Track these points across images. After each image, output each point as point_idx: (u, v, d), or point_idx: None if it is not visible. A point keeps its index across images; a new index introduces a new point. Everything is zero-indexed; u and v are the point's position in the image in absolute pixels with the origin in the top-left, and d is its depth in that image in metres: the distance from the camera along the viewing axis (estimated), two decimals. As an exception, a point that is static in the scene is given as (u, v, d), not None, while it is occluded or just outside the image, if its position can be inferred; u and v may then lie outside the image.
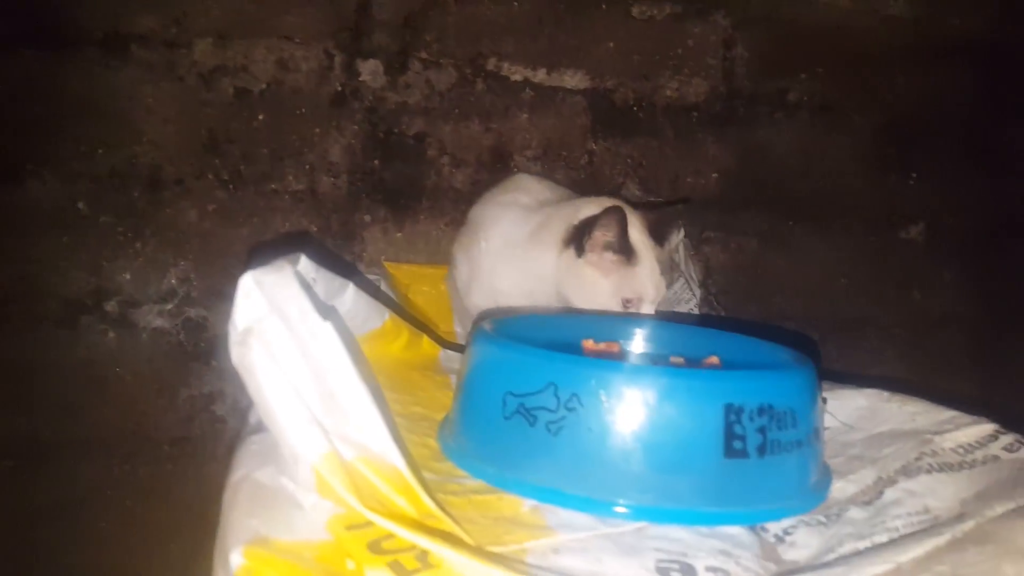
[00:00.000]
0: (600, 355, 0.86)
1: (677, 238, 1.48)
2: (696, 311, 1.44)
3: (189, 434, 1.45)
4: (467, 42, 1.49)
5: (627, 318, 1.01)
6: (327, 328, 0.61)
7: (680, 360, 0.86)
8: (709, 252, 1.67)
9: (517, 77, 1.52)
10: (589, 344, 0.88)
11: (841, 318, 1.75)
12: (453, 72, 1.49)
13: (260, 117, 1.41)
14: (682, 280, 1.44)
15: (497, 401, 0.68)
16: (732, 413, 0.64)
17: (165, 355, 1.42)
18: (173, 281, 1.41)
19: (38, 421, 1.37)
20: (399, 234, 1.50)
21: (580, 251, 1.07)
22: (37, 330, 1.36)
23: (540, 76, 1.53)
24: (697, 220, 1.62)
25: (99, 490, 1.41)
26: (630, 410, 0.64)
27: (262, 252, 0.73)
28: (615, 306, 1.07)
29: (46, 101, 1.33)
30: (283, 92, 1.41)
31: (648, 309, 1.08)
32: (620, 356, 0.90)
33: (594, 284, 1.08)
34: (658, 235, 1.13)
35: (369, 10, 1.43)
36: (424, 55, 1.47)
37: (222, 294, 1.41)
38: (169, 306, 1.41)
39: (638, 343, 0.93)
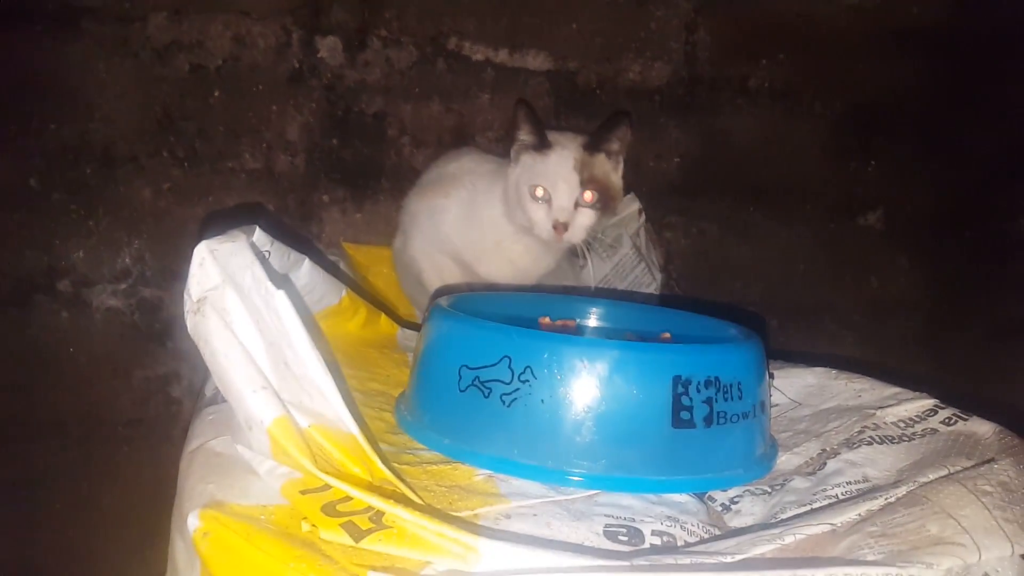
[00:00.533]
0: (555, 331, 0.88)
1: (638, 222, 1.51)
2: (656, 293, 1.47)
3: (144, 416, 1.44)
4: (428, 20, 1.49)
5: (584, 297, 1.04)
6: (280, 296, 0.62)
7: (632, 336, 0.89)
8: (670, 237, 1.70)
9: (479, 57, 1.53)
10: (545, 321, 0.90)
11: (800, 303, 1.79)
12: (413, 51, 1.49)
13: (216, 94, 1.40)
14: (643, 264, 1.47)
15: (452, 374, 0.70)
16: (680, 385, 0.66)
17: (119, 336, 1.41)
18: (127, 260, 1.40)
19: (-12, 402, 1.36)
20: (358, 215, 1.51)
21: (511, 159, 1.17)
22: (-14, 310, 1.34)
23: (502, 56, 1.54)
24: (659, 205, 1.64)
25: (53, 472, 1.40)
26: (582, 382, 0.66)
27: (217, 223, 0.74)
28: (528, 200, 1.11)
29: (-6, 75, 1.31)
30: (240, 69, 1.41)
31: (561, 203, 1.11)
32: (576, 332, 0.92)
33: (515, 181, 1.15)
34: (595, 144, 1.15)
35: (329, -14, 1.43)
36: (384, 33, 1.47)
37: (177, 274, 1.41)
38: (123, 286, 1.40)
39: (593, 320, 0.97)
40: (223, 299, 0.61)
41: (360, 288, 1.17)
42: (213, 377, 0.64)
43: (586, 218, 1.12)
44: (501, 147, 1.21)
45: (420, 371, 0.78)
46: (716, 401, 0.68)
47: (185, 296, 0.63)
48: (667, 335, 0.89)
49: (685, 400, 0.67)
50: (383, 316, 1.12)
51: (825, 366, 0.95)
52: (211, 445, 0.68)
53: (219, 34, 1.39)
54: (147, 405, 1.44)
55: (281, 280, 0.68)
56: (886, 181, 1.82)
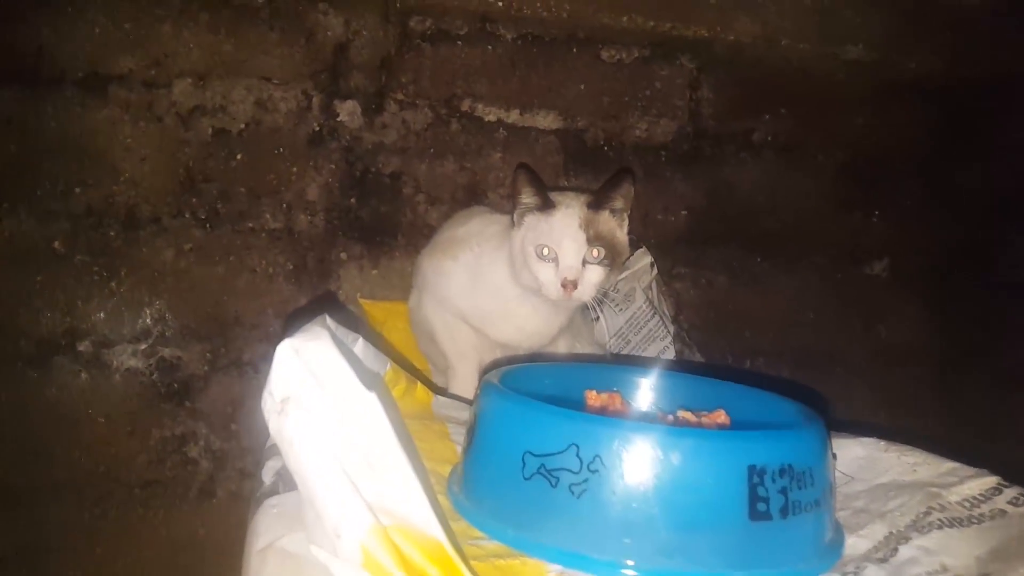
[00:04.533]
0: (605, 409, 0.92)
1: (650, 275, 1.65)
2: (671, 347, 1.61)
3: (160, 477, 1.55)
4: (442, 84, 1.65)
5: (629, 367, 1.08)
6: (371, 399, 0.64)
7: (688, 415, 0.91)
8: (680, 288, 1.82)
9: (491, 117, 1.68)
10: (592, 396, 0.93)
11: (810, 351, 1.91)
12: (428, 112, 1.65)
13: (238, 156, 1.54)
14: (657, 317, 1.61)
15: (515, 461, 0.72)
16: (755, 474, 0.68)
17: (138, 396, 1.53)
18: (148, 320, 1.53)
19: (6, 463, 1.47)
20: (375, 271, 1.64)
21: (514, 223, 1.25)
22: (8, 370, 1.46)
23: (513, 116, 1.70)
24: (667, 256, 1.78)
25: (68, 536, 1.50)
26: (655, 473, 0.67)
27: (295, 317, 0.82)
28: (534, 260, 1.19)
29: (23, 139, 1.45)
30: (261, 132, 1.55)
31: (568, 261, 1.18)
32: (625, 410, 0.95)
33: (520, 243, 1.22)
34: (599, 202, 1.23)
35: (347, 52, 1.59)
36: (400, 96, 1.63)
37: (197, 333, 1.54)
38: (143, 346, 1.53)
39: (643, 394, 1.00)
40: (308, 399, 0.64)
41: (398, 355, 1.25)
42: (297, 480, 0.65)
43: (595, 275, 1.19)
44: (511, 205, 1.30)
45: (478, 454, 0.80)
46: (791, 490, 0.70)
47: (266, 396, 0.65)
48: (721, 413, 0.90)
49: (761, 490, 0.68)
50: (419, 385, 1.15)
51: (866, 434, 0.98)
52: (283, 545, 0.70)
53: (241, 99, 1.54)
54: (163, 466, 1.56)
55: (370, 378, 0.73)
56: (891, 230, 1.95)
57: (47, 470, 1.49)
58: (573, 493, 0.69)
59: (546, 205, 1.22)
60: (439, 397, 1.17)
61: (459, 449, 0.94)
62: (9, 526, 1.47)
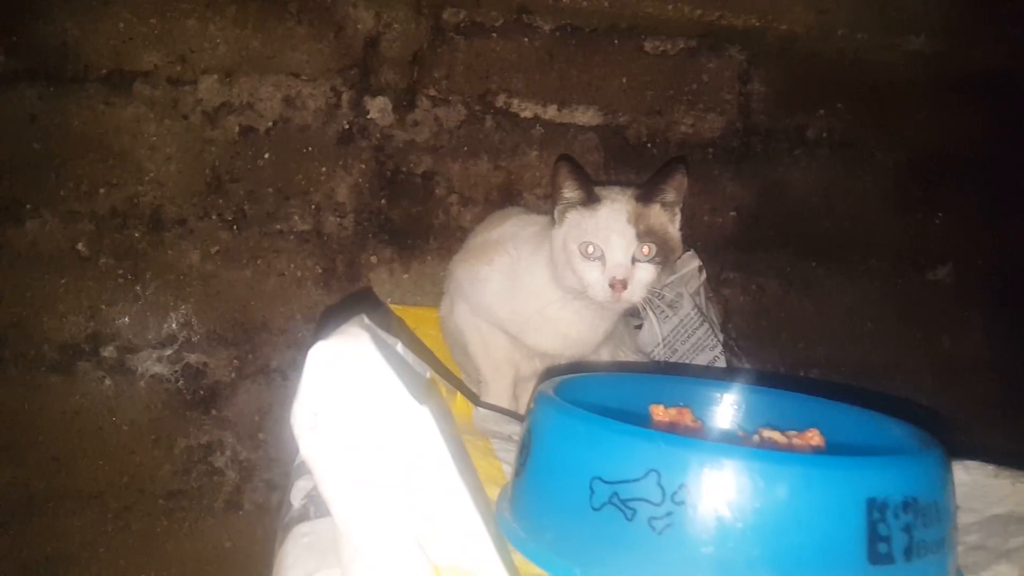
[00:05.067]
0: (675, 427, 0.84)
1: (699, 280, 1.58)
2: (721, 358, 1.53)
3: (185, 487, 1.52)
4: (476, 79, 1.60)
5: (700, 379, 0.97)
6: (423, 414, 0.56)
7: (775, 435, 0.81)
8: (728, 294, 1.75)
9: (527, 114, 1.63)
10: (659, 411, 0.84)
11: (868, 364, 1.82)
12: (462, 109, 1.60)
13: (266, 155, 1.51)
14: (705, 325, 1.54)
15: (581, 488, 0.63)
16: (875, 509, 0.59)
17: (163, 403, 1.50)
18: (173, 325, 1.49)
19: (29, 472, 1.45)
20: (405, 275, 1.60)
21: (555, 221, 1.17)
22: (31, 376, 1.45)
23: (551, 113, 1.64)
24: (715, 260, 1.70)
25: (91, 546, 1.47)
26: (754, 507, 0.58)
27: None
28: (578, 260, 1.12)
29: (47, 138, 1.44)
30: (289, 130, 1.52)
31: (616, 259, 1.10)
32: (699, 428, 0.85)
33: (562, 242, 1.15)
34: (649, 195, 1.15)
35: (377, 47, 1.55)
36: (433, 92, 1.58)
37: (224, 339, 1.50)
38: (168, 351, 1.49)
39: (717, 410, 0.90)
40: (346, 414, 0.56)
41: (439, 363, 1.19)
42: (332, 510, 0.57)
43: (646, 273, 1.11)
44: (549, 204, 1.24)
45: (535, 478, 0.71)
46: (915, 528, 0.61)
47: (296, 408, 0.58)
48: (814, 433, 0.80)
49: (882, 528, 0.59)
50: (459, 395, 1.10)
51: (969, 457, 0.89)
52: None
53: (269, 96, 1.51)
54: (189, 476, 1.52)
55: (420, 389, 0.64)
56: (954, 233, 1.86)
57: (69, 479, 1.47)
58: (654, 528, 0.59)
59: (590, 199, 1.15)
60: (480, 409, 1.10)
61: (507, 469, 0.87)
62: (30, 536, 1.45)
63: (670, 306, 1.56)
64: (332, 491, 0.56)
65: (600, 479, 0.62)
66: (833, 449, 0.78)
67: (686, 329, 1.55)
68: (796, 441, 0.80)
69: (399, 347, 0.87)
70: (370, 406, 0.56)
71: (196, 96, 1.49)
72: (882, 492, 0.59)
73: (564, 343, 1.25)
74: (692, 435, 0.81)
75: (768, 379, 1.08)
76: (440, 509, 0.55)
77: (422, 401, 0.57)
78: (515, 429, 1.05)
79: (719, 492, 0.59)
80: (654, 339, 1.56)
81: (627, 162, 1.68)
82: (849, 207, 1.81)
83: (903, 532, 0.60)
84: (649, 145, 1.70)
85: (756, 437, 0.82)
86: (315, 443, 0.57)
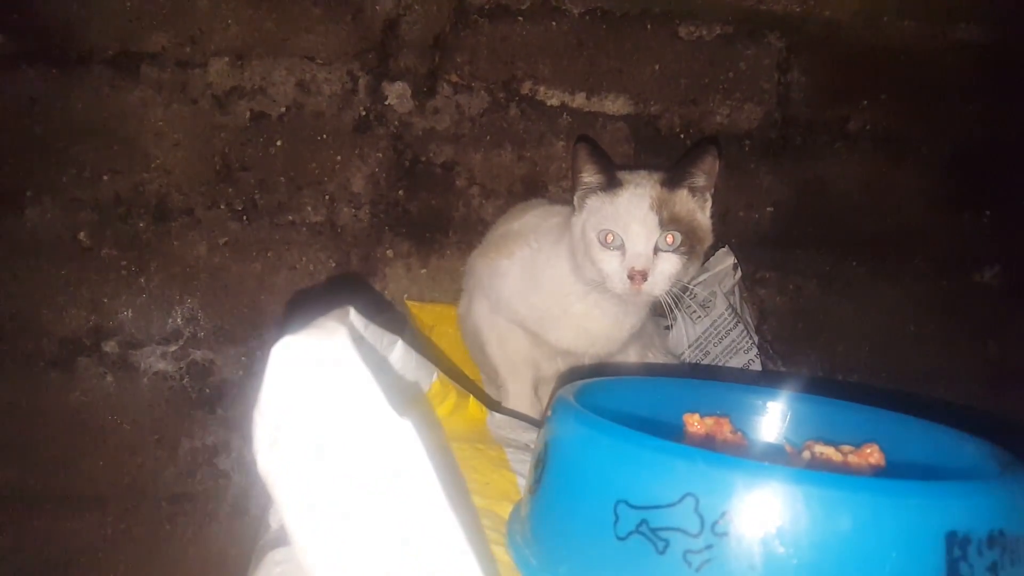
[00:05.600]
0: (712, 439, 0.75)
1: (733, 278, 1.50)
2: (756, 361, 1.46)
3: (189, 490, 1.46)
4: (500, 64, 1.53)
5: (739, 385, 0.88)
6: (405, 428, 0.48)
7: (828, 451, 0.71)
8: (764, 294, 1.68)
9: (554, 102, 1.56)
10: (694, 421, 0.75)
11: (910, 370, 1.75)
12: (485, 96, 1.53)
13: (278, 143, 1.45)
14: (740, 326, 1.46)
15: (605, 512, 0.55)
16: (956, 546, 0.51)
17: (167, 402, 1.44)
18: (179, 320, 1.43)
19: (26, 472, 1.39)
20: (423, 270, 1.53)
21: (575, 208, 1.11)
22: (29, 372, 1.39)
23: (579, 101, 1.57)
24: (750, 258, 1.63)
25: (90, 550, 1.42)
26: (812, 540, 0.50)
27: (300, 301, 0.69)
28: (597, 249, 1.05)
29: (49, 122, 1.38)
30: (303, 116, 1.46)
31: (636, 248, 1.04)
32: (740, 442, 0.76)
33: (581, 230, 1.09)
34: (676, 179, 1.09)
35: (397, 29, 1.48)
36: (454, 78, 1.51)
37: (231, 335, 1.44)
38: (173, 348, 1.43)
39: (760, 421, 0.81)
40: (313, 428, 0.48)
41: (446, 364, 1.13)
42: (294, 544, 0.49)
43: (669, 265, 1.04)
44: (572, 184, 1.18)
45: (551, 497, 0.63)
46: (1002, 567, 0.52)
47: (256, 418, 0.50)
48: (874, 448, 0.71)
49: (964, 568, 0.50)
50: (471, 399, 1.01)
51: None
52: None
53: (282, 80, 1.44)
54: (193, 478, 1.46)
55: (404, 398, 0.59)
56: (1003, 233, 1.78)
57: (68, 480, 1.42)
58: (690, 564, 0.51)
59: (611, 184, 1.08)
60: (495, 415, 1.02)
61: (521, 482, 0.79)
62: (27, 539, 1.40)
63: (702, 306, 1.49)
64: (293, 519, 0.48)
65: (626, 503, 0.55)
66: (895, 469, 0.69)
67: (719, 331, 1.47)
68: (852, 458, 0.71)
69: (398, 346, 0.79)
70: (341, 418, 0.48)
71: (206, 80, 1.42)
72: (964, 525, 0.51)
73: (587, 340, 1.18)
74: (734, 450, 0.72)
75: (811, 385, 0.99)
76: (424, 544, 0.47)
77: (404, 412, 0.48)
78: (533, 437, 0.97)
79: (769, 522, 0.50)
80: (684, 341, 1.49)
81: (659, 153, 1.61)
82: (892, 204, 1.74)
83: (988, 572, 0.51)
84: (682, 136, 1.62)
85: (806, 453, 0.73)
86: (275, 460, 0.49)
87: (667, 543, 0.52)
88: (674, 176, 1.09)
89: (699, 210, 1.10)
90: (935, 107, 1.73)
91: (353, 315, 0.66)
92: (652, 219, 1.04)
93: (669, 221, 1.05)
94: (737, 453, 0.70)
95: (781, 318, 1.70)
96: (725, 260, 1.49)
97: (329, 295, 1.42)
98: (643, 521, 0.53)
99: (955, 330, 1.77)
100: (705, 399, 0.79)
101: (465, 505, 0.60)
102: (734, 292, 1.50)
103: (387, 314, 1.43)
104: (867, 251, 1.72)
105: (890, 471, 0.69)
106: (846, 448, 0.71)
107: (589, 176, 1.09)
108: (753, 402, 0.81)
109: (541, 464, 0.65)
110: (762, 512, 0.51)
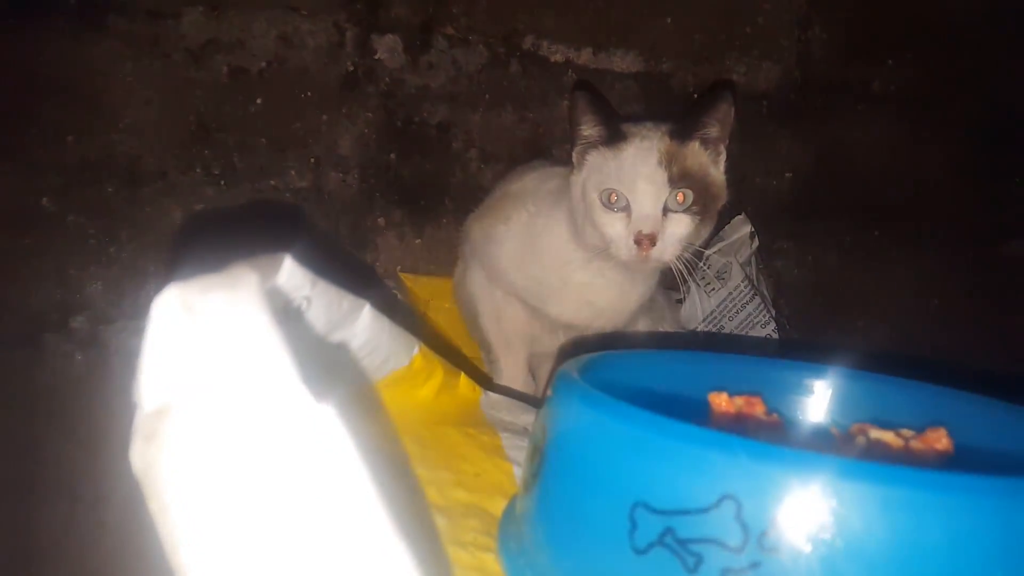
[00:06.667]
0: (743, 421, 0.65)
1: (750, 248, 1.42)
2: (775, 336, 1.37)
3: (166, 476, 1.37)
4: (501, 16, 1.45)
5: (769, 359, 0.78)
6: (323, 415, 0.37)
7: (887, 435, 0.61)
8: (781, 266, 1.61)
9: (558, 58, 1.49)
10: (721, 400, 0.66)
11: (935, 347, 1.67)
12: (484, 51, 1.45)
13: (258, 101, 1.36)
14: (757, 299, 1.38)
15: (619, 516, 0.45)
16: None
17: (141, 382, 1.35)
18: (152, 293, 1.33)
19: (-10, 459, 1.30)
20: (418, 240, 1.46)
21: (574, 164, 1.03)
22: (-10, 350, 1.30)
23: (585, 57, 1.50)
24: (767, 228, 1.56)
25: (60, 541, 1.34)
26: (892, 554, 0.40)
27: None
28: (599, 210, 0.97)
29: (6, 78, 1.27)
30: (286, 72, 1.37)
31: (644, 210, 0.94)
32: (775, 423, 0.66)
33: (581, 189, 1.00)
34: (686, 130, 1.00)
35: (388, -23, 1.40)
36: (450, 31, 1.43)
37: (210, 309, 1.35)
38: (147, 323, 1.34)
39: (798, 400, 0.71)
40: (207, 415, 0.37)
41: (433, 334, 1.05)
42: (175, 561, 0.40)
43: (680, 226, 0.96)
44: (571, 138, 1.11)
45: (550, 496, 0.53)
46: None
47: (135, 400, 0.40)
48: (942, 432, 0.61)
49: None
50: (462, 376, 0.90)
51: None
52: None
53: (263, 33, 1.35)
54: (171, 463, 1.38)
55: (330, 365, 0.47)
56: (1034, 202, 1.71)
57: (36, 467, 1.33)
58: None
59: (614, 137, 0.99)
60: (490, 394, 0.93)
61: (518, 472, 0.70)
62: (-8, 529, 1.31)
63: (717, 277, 1.41)
64: (176, 533, 0.38)
65: (646, 506, 0.44)
66: (965, 457, 0.60)
67: (735, 304, 1.39)
68: (915, 444, 0.61)
69: (365, 312, 0.66)
70: (240, 400, 0.37)
71: (179, 31, 1.32)
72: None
73: (591, 313, 1.10)
74: (772, 436, 0.63)
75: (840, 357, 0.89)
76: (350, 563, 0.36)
77: (326, 394, 0.37)
78: (532, 419, 0.88)
79: (837, 533, 0.40)
80: (698, 314, 1.41)
81: (671, 114, 1.51)
82: (917, 170, 1.66)
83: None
84: (696, 96, 1.55)
85: (860, 438, 0.63)
86: (151, 458, 0.37)
87: (699, 559, 0.42)
88: (685, 127, 1.00)
89: (712, 164, 1.02)
90: (966, 67, 1.64)
91: (289, 266, 0.52)
92: (661, 175, 0.95)
93: (680, 177, 0.96)
94: (776, 439, 0.61)
95: (798, 292, 1.63)
96: (742, 228, 1.42)
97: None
98: (668, 530, 0.43)
99: (982, 305, 1.68)
100: (731, 375, 0.69)
101: (418, 519, 0.50)
102: (751, 263, 1.42)
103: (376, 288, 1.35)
104: (890, 220, 1.65)
105: (959, 459, 0.59)
106: (906, 432, 0.61)
107: (589, 128, 1.00)
108: (788, 378, 0.71)
109: (539, 454, 0.55)
110: (827, 520, 0.40)
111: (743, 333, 1.37)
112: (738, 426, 0.62)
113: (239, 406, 0.36)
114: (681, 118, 1.02)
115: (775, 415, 0.67)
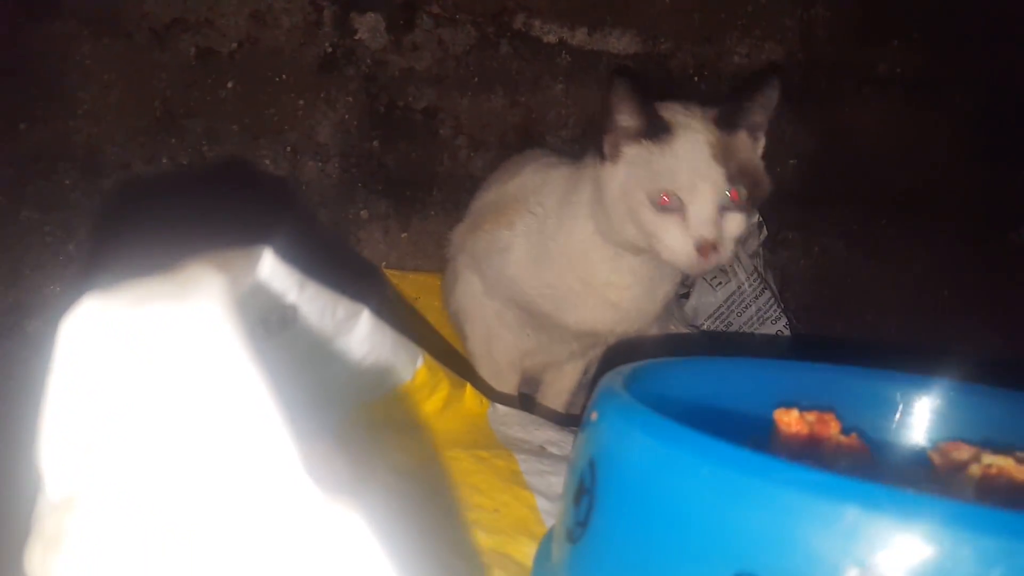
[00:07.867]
0: (817, 444, 0.56)
1: (759, 239, 1.36)
2: (786, 331, 1.31)
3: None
4: (490, -7, 1.40)
5: (840, 367, 0.66)
6: (336, 511, 0.27)
7: (1003, 461, 0.50)
8: (786, 257, 1.58)
9: (551, 38, 1.43)
10: (790, 419, 0.56)
11: (944, 340, 1.64)
12: (472, 31, 1.40)
13: (229, 85, 1.30)
14: (767, 293, 1.32)
15: None
16: None
17: (104, 390, 1.27)
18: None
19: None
20: (403, 234, 1.41)
21: (604, 155, 0.93)
22: (-63, 360, 1.22)
23: (579, 37, 1.44)
24: (771, 217, 1.51)
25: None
26: None
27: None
28: (649, 213, 0.88)
29: (-49, 62, 1.20)
30: (258, 53, 1.30)
31: (703, 213, 0.86)
32: (859, 449, 0.57)
33: (620, 187, 0.91)
34: (732, 118, 0.92)
35: (368, -49, 1.34)
36: (436, 9, 1.38)
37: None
38: (110, 327, 1.26)
39: (875, 415, 0.61)
40: (139, 504, 0.27)
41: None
42: None
43: (735, 225, 0.89)
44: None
45: (610, 553, 0.43)
46: None
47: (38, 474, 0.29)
48: None
49: None
50: (468, 388, 0.82)
51: None
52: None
53: (233, 11, 1.28)
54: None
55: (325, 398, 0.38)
56: (1044, 189, 1.70)
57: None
58: None
59: (658, 129, 0.89)
60: (499, 407, 0.84)
61: (543, 504, 0.60)
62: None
63: (723, 270, 1.33)
64: None
65: None
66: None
67: (744, 299, 1.33)
68: None
69: (363, 318, 0.58)
70: (193, 482, 0.26)
71: (142, 9, 1.25)
72: None
73: (614, 317, 1.01)
74: (858, 465, 0.53)
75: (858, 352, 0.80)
76: None
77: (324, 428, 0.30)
78: (549, 436, 0.79)
79: None
80: (704, 310, 1.34)
81: (670, 98, 1.45)
82: (925, 156, 1.65)
83: None
84: (696, 79, 1.50)
85: (973, 467, 0.51)
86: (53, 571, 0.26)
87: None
88: (731, 114, 0.92)
89: (757, 156, 0.95)
90: (974, 49, 1.64)
91: (270, 264, 0.43)
92: (719, 174, 0.87)
93: (737, 174, 0.88)
94: (863, 468, 0.52)
95: (805, 283, 1.60)
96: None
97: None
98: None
99: (995, 295, 1.69)
100: (798, 386, 0.60)
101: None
102: (759, 255, 1.35)
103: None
104: (897, 208, 1.64)
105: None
106: (1020, 452, 0.51)
107: (629, 119, 0.90)
108: (861, 387, 0.61)
109: (588, 494, 0.45)
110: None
111: (753, 329, 1.31)
112: (812, 450, 0.53)
113: (189, 492, 0.25)
114: (723, 104, 0.95)
115: (854, 435, 0.57)
